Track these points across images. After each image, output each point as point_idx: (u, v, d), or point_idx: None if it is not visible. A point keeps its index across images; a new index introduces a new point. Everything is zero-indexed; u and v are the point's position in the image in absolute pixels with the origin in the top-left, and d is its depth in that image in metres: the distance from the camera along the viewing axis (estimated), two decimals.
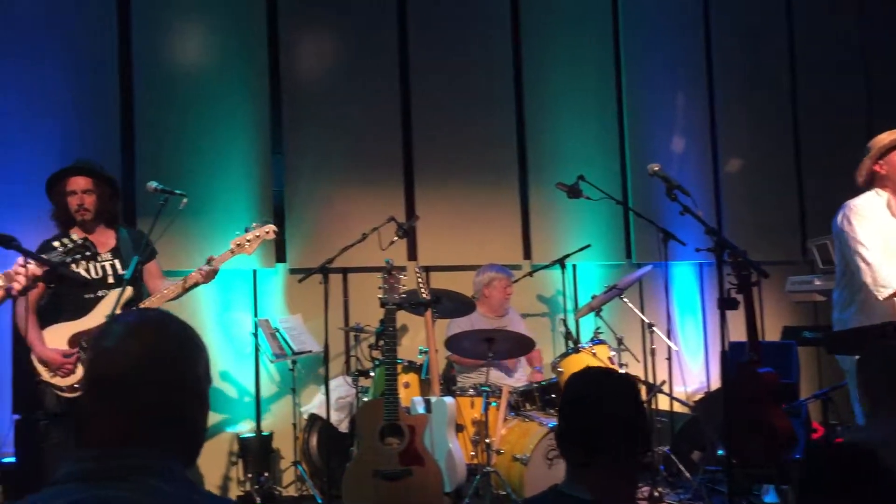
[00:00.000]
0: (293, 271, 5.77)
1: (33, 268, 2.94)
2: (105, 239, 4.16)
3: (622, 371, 4.89)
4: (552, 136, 6.47)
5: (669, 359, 5.04)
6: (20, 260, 2.94)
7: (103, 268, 4.09)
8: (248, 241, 4.22)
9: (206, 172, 5.61)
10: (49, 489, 1.30)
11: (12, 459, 4.73)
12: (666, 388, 5.12)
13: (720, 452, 4.68)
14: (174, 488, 1.31)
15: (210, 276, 4.13)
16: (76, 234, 3.83)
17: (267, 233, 4.29)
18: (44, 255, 3.11)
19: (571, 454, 1.95)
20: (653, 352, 5.31)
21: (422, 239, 6.10)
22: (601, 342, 5.05)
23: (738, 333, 4.12)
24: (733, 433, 3.69)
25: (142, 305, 4.02)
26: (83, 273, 4.02)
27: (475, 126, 6.27)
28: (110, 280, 4.08)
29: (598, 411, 1.93)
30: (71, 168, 4.12)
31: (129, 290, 3.96)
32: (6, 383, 4.76)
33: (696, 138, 6.91)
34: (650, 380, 5.23)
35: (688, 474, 4.98)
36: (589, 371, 2.08)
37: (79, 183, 4.07)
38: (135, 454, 1.33)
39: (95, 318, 3.94)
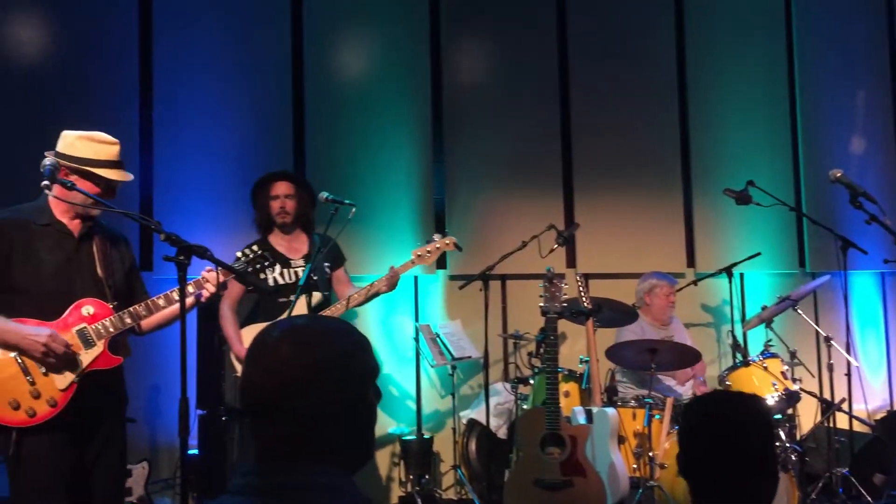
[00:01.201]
0: (453, 278, 5.85)
1: (220, 276, 3.13)
2: (299, 245, 4.46)
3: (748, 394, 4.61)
4: (718, 139, 6.22)
5: (849, 374, 4.75)
6: (208, 267, 3.14)
7: (296, 273, 4.36)
8: (429, 252, 4.34)
9: (371, 181, 5.79)
10: (222, 498, 1.31)
11: (196, 452, 5.07)
12: (845, 406, 4.82)
13: None
14: None
15: (393, 284, 4.27)
16: (277, 238, 4.28)
17: (447, 245, 4.41)
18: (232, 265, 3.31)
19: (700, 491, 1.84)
20: (830, 367, 4.98)
21: (581, 246, 6.02)
22: (773, 355, 4.80)
23: None
24: None
25: (325, 313, 4.21)
26: (277, 278, 4.33)
27: (636, 130, 6.13)
28: None
29: (725, 443, 1.83)
30: (275, 173, 4.49)
31: (317, 296, 4.25)
32: (192, 380, 5.10)
33: (879, 139, 6.43)
34: (827, 396, 4.93)
35: (869, 498, 4.66)
36: (713, 397, 1.99)
37: (281, 188, 4.42)
38: (296, 470, 1.28)
39: None
